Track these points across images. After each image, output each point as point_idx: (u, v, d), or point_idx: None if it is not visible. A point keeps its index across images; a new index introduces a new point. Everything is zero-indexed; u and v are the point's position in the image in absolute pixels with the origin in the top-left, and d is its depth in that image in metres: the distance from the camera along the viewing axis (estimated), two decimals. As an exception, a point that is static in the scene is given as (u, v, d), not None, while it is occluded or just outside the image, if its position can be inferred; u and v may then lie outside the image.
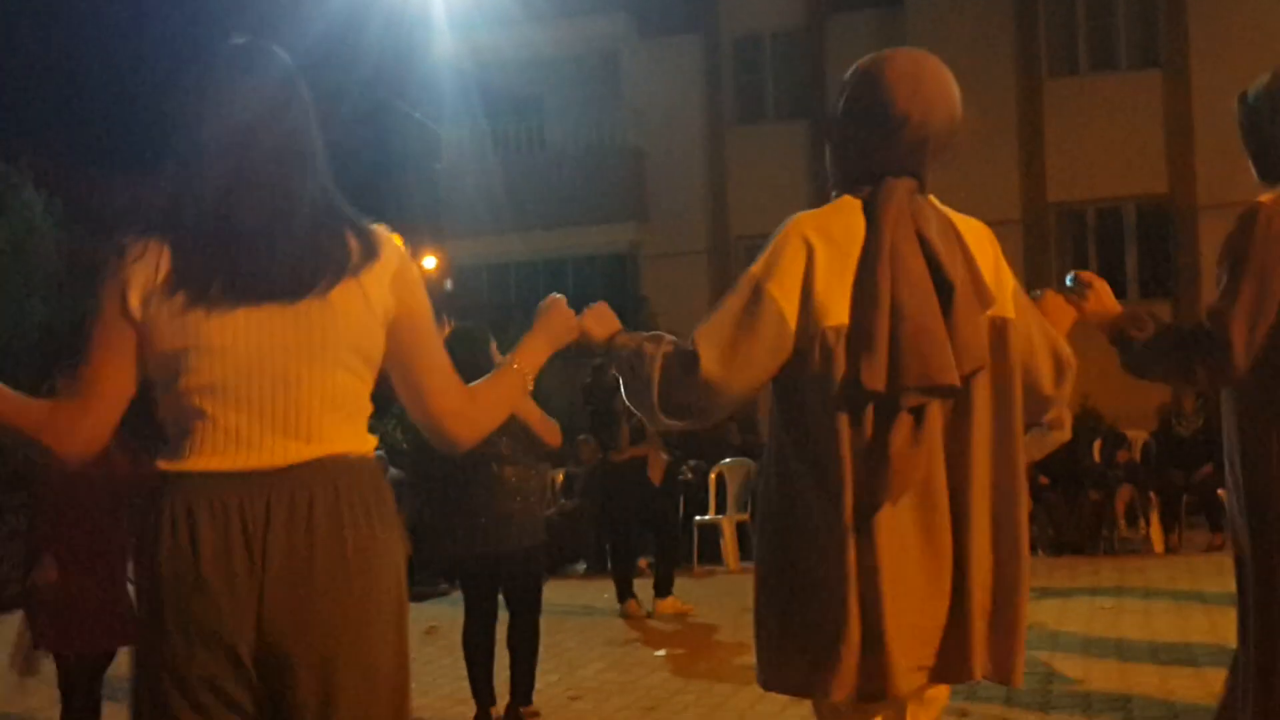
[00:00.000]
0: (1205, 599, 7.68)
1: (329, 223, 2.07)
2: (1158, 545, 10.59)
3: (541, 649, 5.66)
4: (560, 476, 12.08)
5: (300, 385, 2.01)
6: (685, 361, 2.32)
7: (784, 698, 2.74)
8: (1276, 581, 2.76)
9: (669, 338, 2.42)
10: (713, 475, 11.29)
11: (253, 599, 1.95)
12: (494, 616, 5.59)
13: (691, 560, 10.92)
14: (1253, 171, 2.93)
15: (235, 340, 1.98)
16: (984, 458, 2.32)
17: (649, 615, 8.45)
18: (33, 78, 29.26)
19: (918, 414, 2.27)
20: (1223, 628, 6.25)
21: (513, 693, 5.53)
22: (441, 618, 8.05)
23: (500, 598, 5.59)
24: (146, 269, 1.99)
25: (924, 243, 2.31)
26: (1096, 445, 11.52)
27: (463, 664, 5.61)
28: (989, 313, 2.35)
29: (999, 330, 2.36)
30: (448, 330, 5.25)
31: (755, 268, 2.33)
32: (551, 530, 7.16)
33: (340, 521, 2.00)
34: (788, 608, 2.35)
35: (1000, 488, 2.33)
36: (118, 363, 2.00)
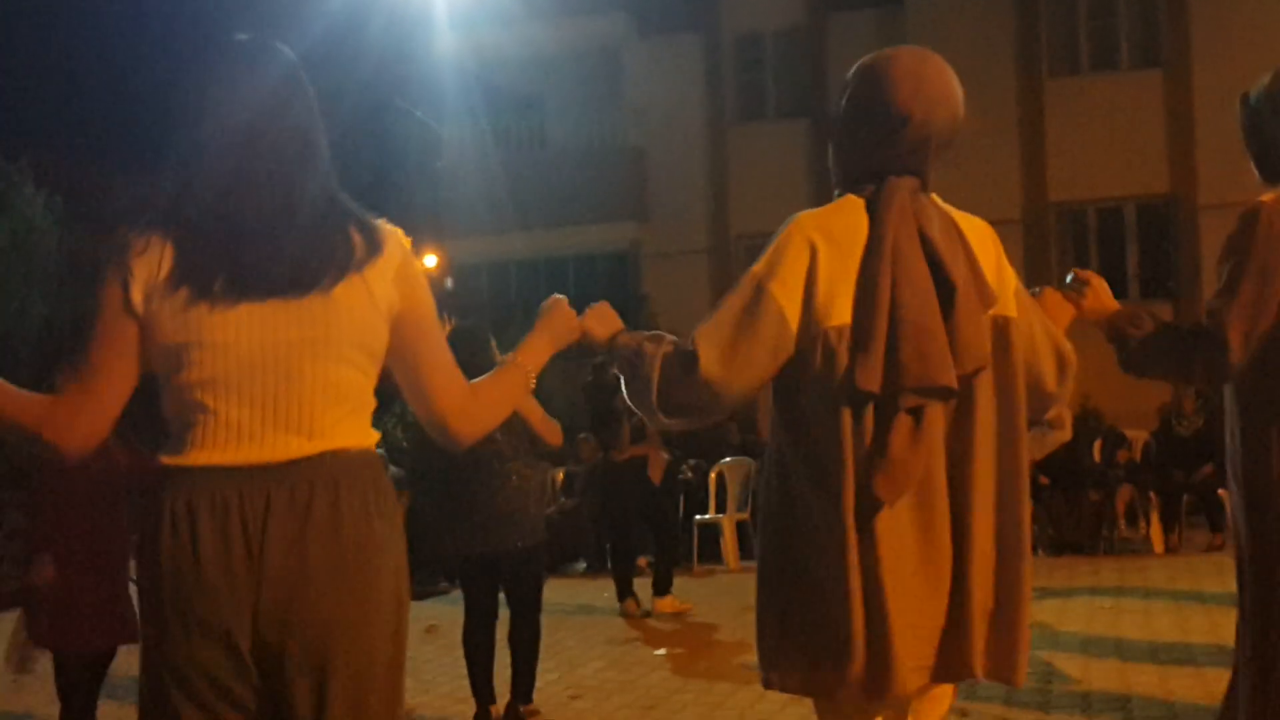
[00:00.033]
0: (1205, 599, 7.68)
1: (332, 218, 2.07)
2: (1158, 545, 10.59)
3: (541, 648, 5.66)
4: (560, 475, 12.08)
5: (303, 381, 2.01)
6: (685, 361, 2.32)
7: (784, 696, 2.74)
8: (1274, 579, 2.76)
9: (670, 337, 2.43)
10: (713, 474, 11.29)
11: (250, 593, 1.96)
12: (494, 615, 5.59)
13: (691, 559, 10.92)
14: (1254, 172, 2.93)
15: (238, 336, 1.99)
16: (987, 456, 2.32)
17: (646, 615, 8.45)
18: (33, 76, 29.26)
19: (917, 415, 2.27)
20: (1223, 628, 6.25)
21: (513, 691, 5.53)
22: (441, 616, 8.06)
23: (501, 596, 5.60)
24: (149, 263, 1.99)
25: (926, 242, 2.31)
26: (1097, 445, 11.53)
27: (462, 662, 5.61)
28: (991, 311, 2.35)
29: (1001, 329, 2.36)
30: (448, 328, 5.25)
31: (757, 267, 2.33)
32: (551, 529, 7.17)
33: (339, 517, 2.00)
34: (788, 607, 2.36)
35: (1003, 486, 2.33)
36: (119, 357, 2.00)
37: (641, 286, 17.93)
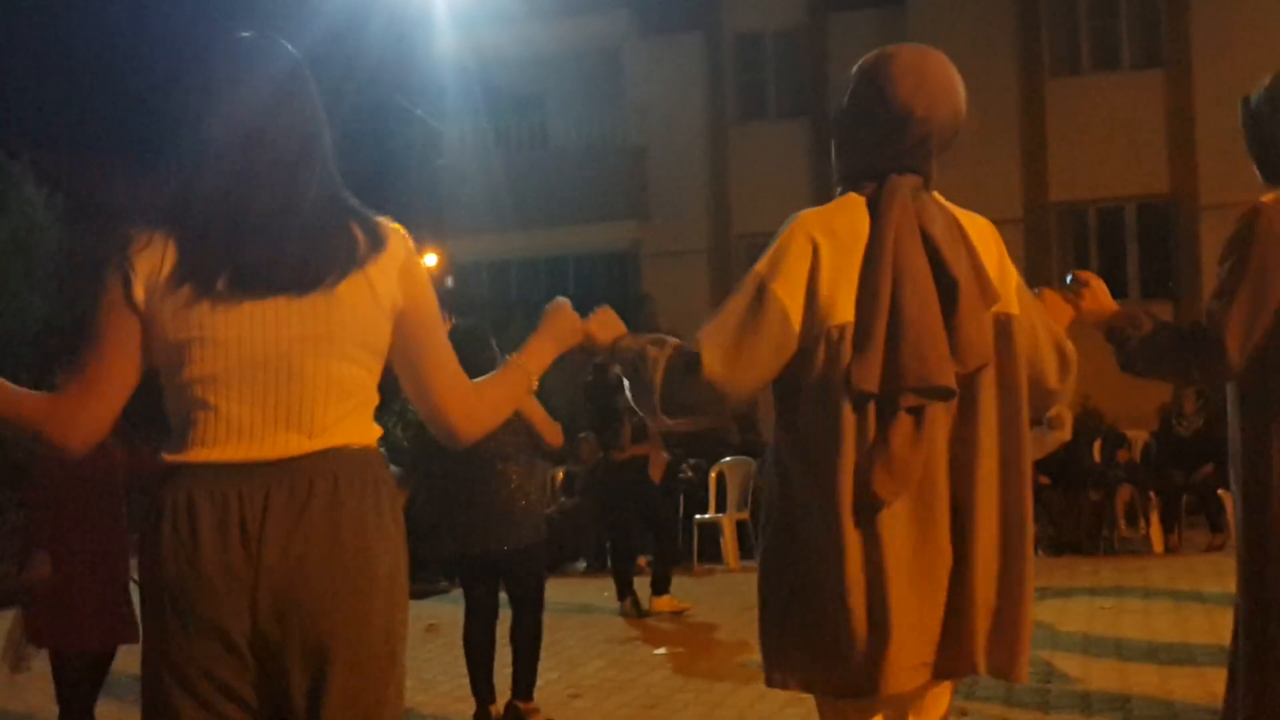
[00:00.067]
0: (1205, 599, 7.69)
1: (336, 215, 2.07)
2: (1157, 545, 10.59)
3: (541, 646, 5.66)
4: (560, 474, 12.09)
5: (304, 378, 2.01)
6: (689, 362, 2.33)
7: (784, 696, 2.75)
8: (1271, 579, 2.76)
9: (673, 340, 2.43)
10: (713, 474, 11.29)
11: (249, 590, 1.96)
12: (494, 614, 5.59)
13: (691, 559, 10.92)
14: (1255, 172, 2.94)
15: (240, 333, 1.99)
16: (991, 453, 2.32)
17: (643, 614, 8.44)
18: (34, 74, 29.26)
19: (917, 414, 2.27)
20: (1222, 628, 6.24)
21: (514, 688, 5.54)
22: (441, 615, 8.06)
23: (502, 595, 5.60)
24: (152, 260, 1.99)
25: (928, 239, 2.31)
26: (1097, 445, 11.52)
27: (462, 661, 5.62)
28: (994, 309, 2.35)
29: (1003, 326, 2.37)
30: (448, 327, 5.25)
31: (760, 266, 2.34)
32: (552, 528, 7.17)
33: (338, 513, 2.00)
34: (788, 607, 2.36)
35: (1007, 483, 2.34)
36: (121, 353, 2.00)
37: (642, 286, 17.93)
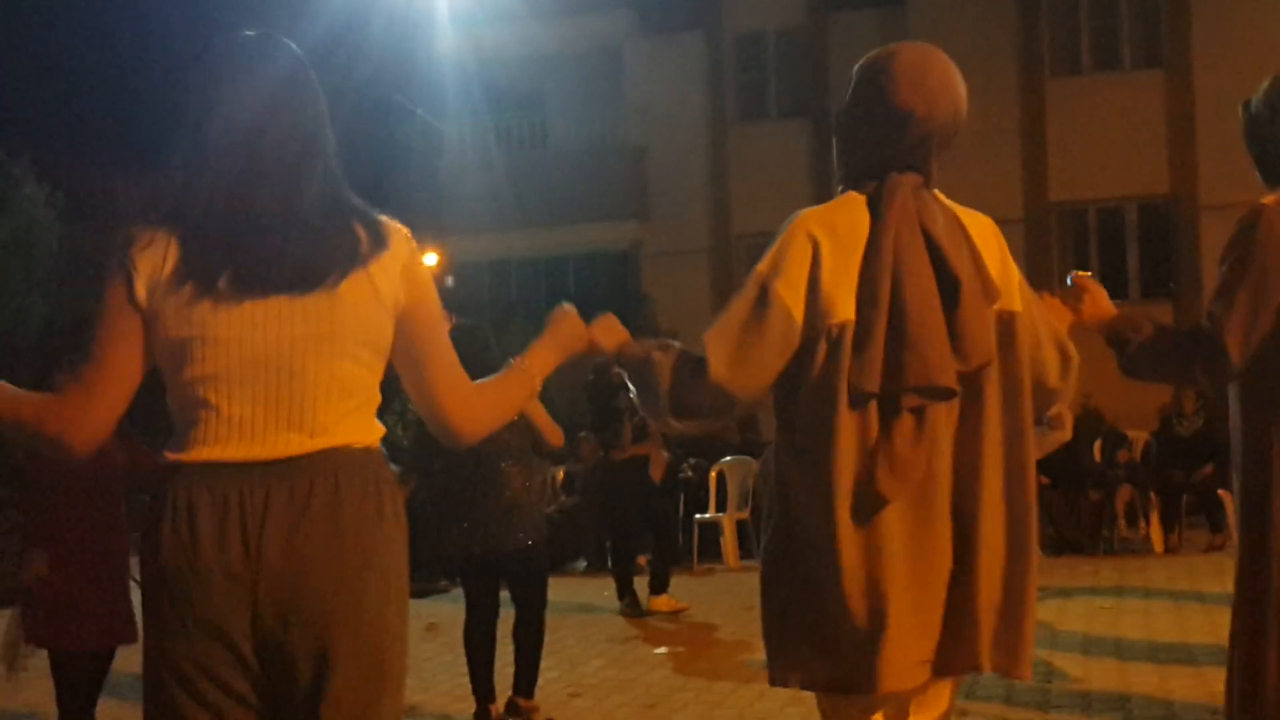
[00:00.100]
0: (1205, 599, 7.69)
1: (338, 214, 2.07)
2: (1158, 545, 10.60)
3: (544, 645, 5.67)
4: (561, 474, 12.09)
5: (306, 378, 2.01)
6: (695, 366, 2.34)
7: (784, 695, 2.75)
8: (1269, 578, 2.77)
9: (677, 344, 2.44)
10: (713, 473, 11.30)
11: (249, 590, 1.96)
12: (495, 613, 5.60)
13: (691, 558, 10.92)
14: (1256, 173, 2.95)
15: (242, 332, 1.98)
16: (995, 451, 2.32)
17: (642, 613, 8.44)
18: (35, 72, 29.26)
19: (919, 413, 2.27)
20: (1222, 628, 6.22)
21: (515, 685, 5.56)
22: (441, 614, 8.06)
23: (503, 594, 5.61)
24: (154, 258, 1.99)
25: (929, 237, 2.32)
26: (1097, 445, 11.53)
27: (462, 660, 5.62)
28: (996, 306, 2.35)
29: (1006, 323, 2.37)
30: (448, 326, 5.26)
31: (761, 266, 2.34)
32: (552, 527, 7.17)
33: (339, 514, 2.00)
34: (788, 606, 2.36)
35: (1011, 481, 2.34)
36: (124, 351, 2.00)
37: (642, 285, 17.93)
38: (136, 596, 2.57)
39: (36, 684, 5.23)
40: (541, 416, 5.27)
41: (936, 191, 2.41)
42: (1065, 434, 3.40)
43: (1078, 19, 16.57)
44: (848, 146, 2.44)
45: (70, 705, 4.57)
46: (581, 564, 11.49)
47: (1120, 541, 10.85)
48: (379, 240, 2.07)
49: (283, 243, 2.00)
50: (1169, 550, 10.50)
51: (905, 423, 2.26)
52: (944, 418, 2.30)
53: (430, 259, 17.94)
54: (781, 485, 2.38)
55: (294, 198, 2.03)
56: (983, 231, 2.41)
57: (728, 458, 11.46)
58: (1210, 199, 14.77)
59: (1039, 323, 2.46)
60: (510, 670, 5.63)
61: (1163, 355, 2.81)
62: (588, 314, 2.53)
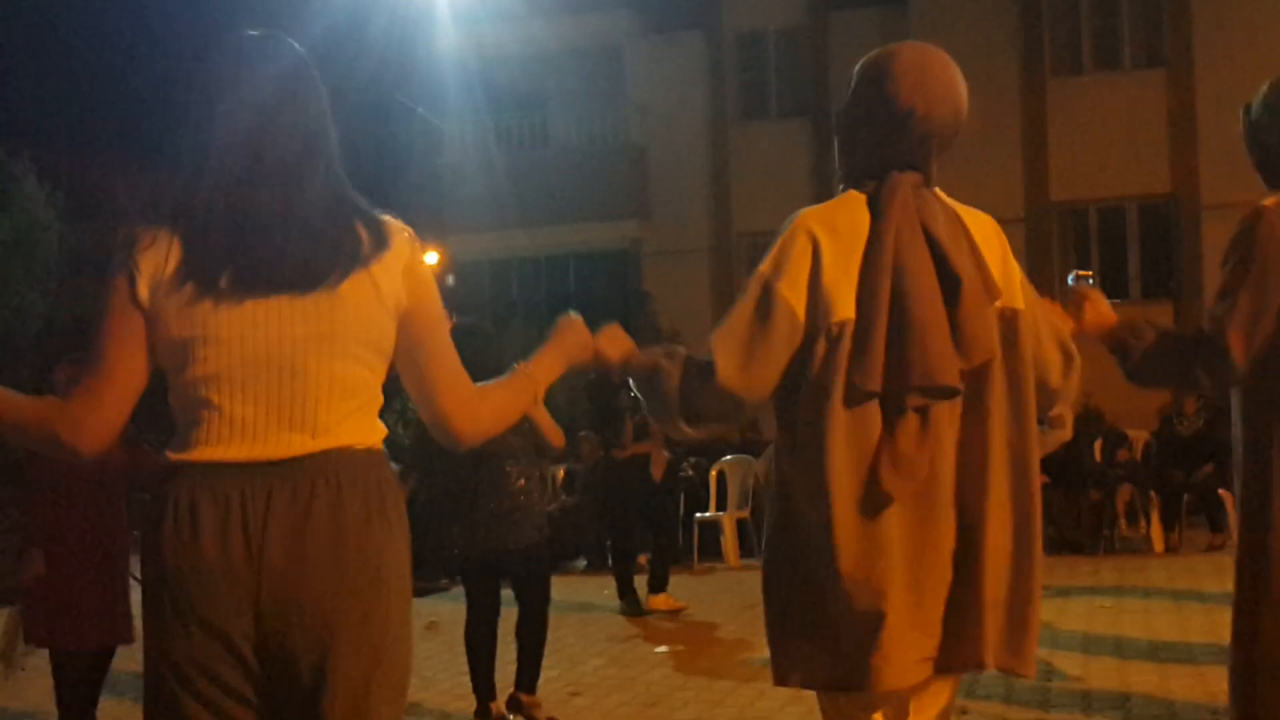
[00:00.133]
0: (1205, 598, 7.69)
1: (340, 214, 2.06)
2: (1158, 545, 10.59)
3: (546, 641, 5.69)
4: (561, 473, 12.09)
5: (308, 378, 2.01)
6: (703, 371, 2.34)
7: (784, 693, 2.75)
8: (1268, 577, 2.77)
9: (682, 350, 2.44)
10: (713, 472, 11.30)
11: (251, 590, 1.96)
12: (496, 612, 5.61)
13: (692, 557, 10.92)
14: (1258, 174, 2.95)
15: (243, 332, 1.98)
16: (1000, 450, 2.32)
17: (641, 612, 8.44)
18: (35, 72, 29.26)
19: (923, 412, 2.27)
20: (1222, 627, 6.22)
21: (517, 680, 5.58)
22: (441, 612, 8.06)
23: (504, 593, 5.62)
24: (156, 259, 1.99)
25: (929, 235, 2.32)
26: (1097, 444, 11.52)
27: (462, 658, 5.63)
28: (999, 304, 2.35)
29: (1009, 321, 2.37)
30: (449, 326, 5.26)
31: (763, 267, 2.34)
32: (552, 526, 7.18)
33: (341, 515, 1.99)
34: (788, 605, 2.37)
35: (1016, 479, 2.34)
36: (129, 352, 2.00)
37: (642, 284, 17.91)
38: (136, 595, 2.57)
39: (36, 684, 5.24)
40: (543, 418, 5.27)
41: (937, 190, 2.41)
42: (1066, 433, 3.39)
43: (1079, 18, 16.56)
44: (848, 146, 2.44)
45: (70, 704, 4.57)
46: (582, 563, 11.49)
47: (1120, 541, 10.85)
48: (381, 240, 2.07)
49: (283, 242, 2.00)
50: (1169, 550, 10.50)
51: (910, 422, 2.26)
52: (946, 416, 2.30)
53: (430, 258, 17.93)
54: (781, 484, 2.38)
55: (295, 197, 2.03)
56: (984, 230, 2.41)
57: (728, 457, 11.46)
58: (1211, 199, 14.76)
59: (1041, 322, 2.46)
60: (510, 669, 5.64)
61: (1166, 360, 2.80)
62: (588, 313, 2.53)
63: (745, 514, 11.18)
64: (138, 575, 2.16)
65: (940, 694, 2.44)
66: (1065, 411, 2.95)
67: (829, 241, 2.31)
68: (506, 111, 18.40)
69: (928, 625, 2.30)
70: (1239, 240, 2.76)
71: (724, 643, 7.26)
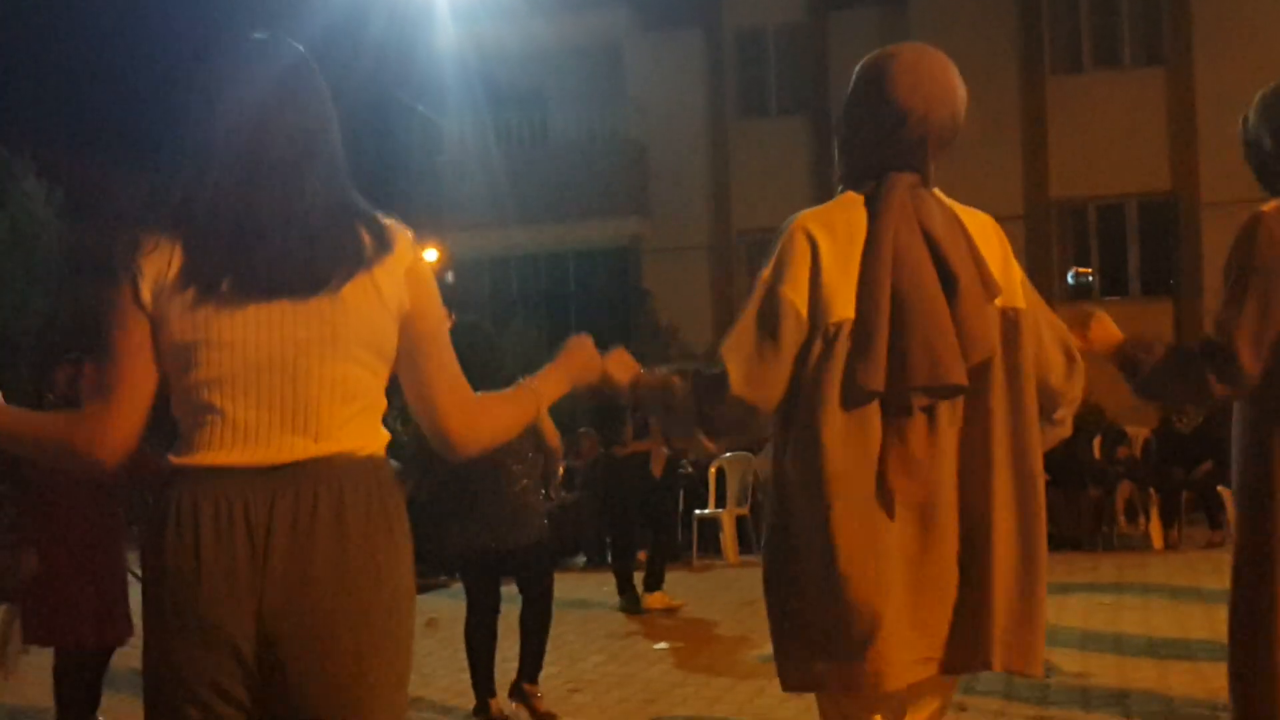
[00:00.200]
0: (1203, 595, 7.70)
1: (342, 217, 2.05)
2: (1157, 542, 10.61)
3: (548, 635, 5.70)
4: (561, 470, 12.08)
5: (310, 381, 2.00)
6: (715, 383, 2.34)
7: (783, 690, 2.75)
8: (1267, 577, 2.77)
9: (689, 368, 2.44)
10: (712, 470, 11.31)
11: (253, 596, 1.95)
12: (496, 609, 5.62)
13: (691, 554, 10.93)
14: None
15: (245, 335, 1.98)
16: (1004, 449, 2.32)
17: (640, 610, 8.45)
18: (35, 71, 29.25)
19: (929, 412, 2.27)
20: (1220, 624, 6.21)
21: (520, 671, 5.60)
22: (441, 609, 8.06)
23: (504, 590, 5.63)
24: (159, 263, 1.98)
25: (927, 235, 2.32)
26: (1097, 441, 11.54)
27: (462, 656, 5.64)
28: (1000, 303, 2.35)
29: (1010, 320, 2.37)
30: (449, 324, 5.28)
31: (766, 272, 2.34)
32: (552, 523, 7.19)
33: (344, 521, 1.99)
34: (787, 605, 2.37)
35: (1020, 479, 2.33)
36: (138, 358, 1.99)
37: (642, 282, 17.93)
38: (135, 594, 2.57)
39: (36, 683, 5.24)
40: (548, 426, 5.34)
41: (935, 190, 2.41)
42: (1065, 430, 3.39)
43: (1078, 16, 16.57)
44: (847, 146, 2.44)
45: (70, 703, 4.57)
46: (581, 559, 11.50)
47: (1120, 538, 10.87)
48: (383, 243, 2.06)
49: (284, 245, 1.99)
50: (1168, 546, 10.51)
51: (918, 424, 2.26)
52: (948, 417, 2.30)
53: (430, 255, 17.94)
54: (779, 484, 2.38)
55: (295, 199, 2.02)
56: (983, 230, 2.41)
57: (727, 454, 11.47)
58: (1211, 196, 14.77)
59: (1043, 322, 2.46)
60: (509, 665, 5.65)
61: (1175, 373, 2.79)
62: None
63: (744, 511, 11.19)
64: (137, 572, 2.15)
65: (939, 692, 2.45)
66: (1066, 412, 2.95)
67: (827, 242, 2.31)
68: (506, 109, 18.40)
69: (928, 625, 2.30)
70: (1239, 247, 2.76)
71: (723, 639, 7.27)
